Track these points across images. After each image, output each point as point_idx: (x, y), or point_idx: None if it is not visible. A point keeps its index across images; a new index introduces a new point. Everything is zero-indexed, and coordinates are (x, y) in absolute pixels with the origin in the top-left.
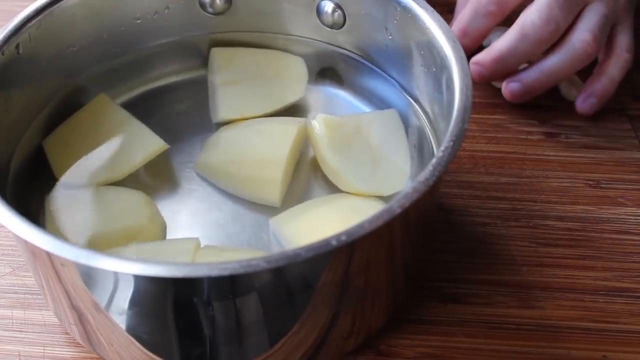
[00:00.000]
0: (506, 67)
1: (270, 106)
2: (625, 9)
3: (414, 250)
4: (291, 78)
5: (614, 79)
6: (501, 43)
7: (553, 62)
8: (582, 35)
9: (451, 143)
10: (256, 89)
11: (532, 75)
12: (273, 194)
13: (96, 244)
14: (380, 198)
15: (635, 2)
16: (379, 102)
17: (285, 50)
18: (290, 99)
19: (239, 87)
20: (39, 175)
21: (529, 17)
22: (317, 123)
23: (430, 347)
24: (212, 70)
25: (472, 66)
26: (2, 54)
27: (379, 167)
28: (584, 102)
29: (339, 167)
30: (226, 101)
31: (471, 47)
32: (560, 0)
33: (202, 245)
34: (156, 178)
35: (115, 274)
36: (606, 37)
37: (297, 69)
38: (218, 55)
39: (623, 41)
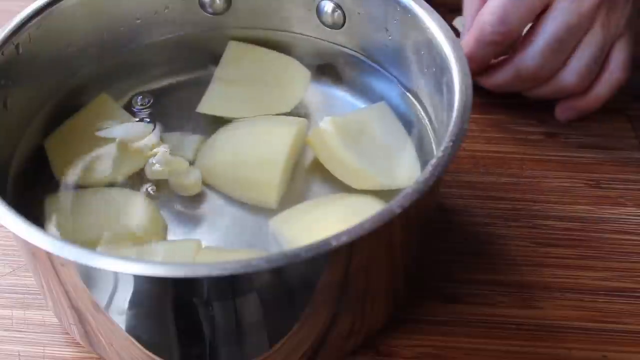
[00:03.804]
0: (506, 92)
1: (252, 113)
2: (626, 24)
3: (414, 250)
4: (288, 91)
5: (600, 97)
6: (499, 77)
7: (543, 91)
8: (571, 76)
9: (451, 143)
10: (248, 93)
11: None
12: (270, 196)
13: (96, 245)
14: (380, 198)
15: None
16: (378, 100)
17: (286, 47)
18: (275, 111)
19: (234, 86)
20: (39, 175)
21: (525, 62)
22: (326, 125)
23: (430, 347)
24: (220, 62)
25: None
26: (2, 54)
27: (391, 159)
28: (564, 112)
29: (360, 166)
30: (213, 96)
31: (477, 72)
32: (554, 46)
33: (202, 247)
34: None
35: (115, 274)
36: (600, 66)
37: (298, 83)
38: (232, 49)
39: (618, 59)
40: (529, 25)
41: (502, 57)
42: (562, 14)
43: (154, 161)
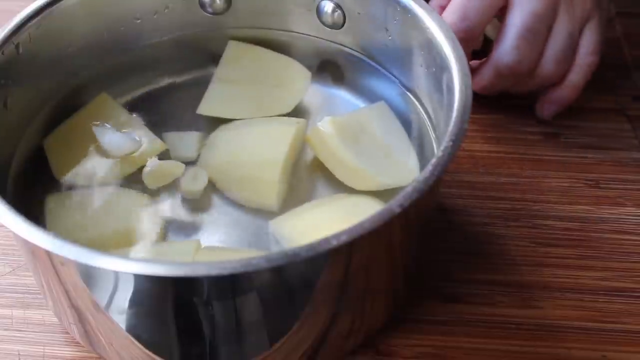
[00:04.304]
0: (491, 93)
1: (252, 114)
2: (594, 7)
3: (413, 250)
4: (288, 91)
5: (576, 85)
6: (480, 79)
7: (526, 85)
8: (548, 65)
9: (451, 143)
10: (248, 93)
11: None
12: (270, 196)
13: (96, 244)
14: (380, 198)
15: None
16: (378, 100)
17: (286, 46)
18: (275, 111)
19: (234, 87)
20: (39, 175)
21: (501, 59)
22: (325, 125)
23: (429, 347)
24: (220, 62)
25: None
26: (2, 53)
27: (390, 159)
28: (544, 108)
29: (360, 166)
30: (213, 96)
31: None
32: (527, 36)
33: (202, 246)
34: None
35: (115, 273)
36: (574, 50)
37: (298, 83)
38: (232, 48)
39: (588, 43)
40: None
41: (483, 60)
42: (527, 3)
43: (147, 169)
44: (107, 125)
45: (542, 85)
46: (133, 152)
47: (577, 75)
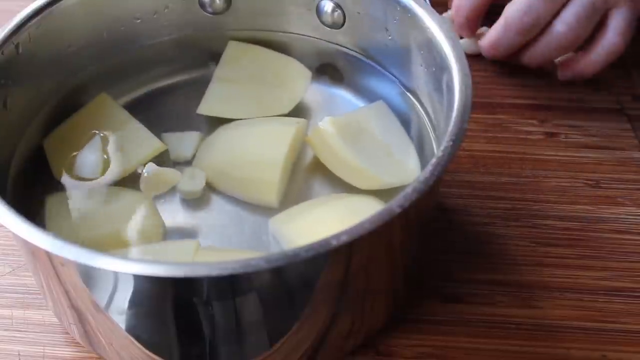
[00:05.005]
0: (501, 53)
1: (252, 113)
2: None
3: (413, 249)
4: (288, 91)
5: (596, 62)
6: (491, 32)
7: (535, 49)
8: (559, 26)
9: (451, 143)
10: (248, 93)
11: (524, 57)
12: (270, 195)
13: (96, 244)
14: (380, 198)
15: None
16: (378, 100)
17: (286, 47)
18: (275, 111)
19: (234, 86)
20: (39, 175)
21: (511, 8)
22: (326, 125)
23: (430, 347)
24: (220, 62)
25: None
26: (2, 53)
27: (391, 157)
28: (563, 70)
29: (362, 165)
30: (213, 96)
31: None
32: None
33: (201, 247)
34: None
35: (115, 273)
36: (592, 24)
37: (298, 82)
38: (232, 48)
39: (615, 25)
40: None
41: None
42: None
43: (144, 176)
44: (100, 136)
45: (551, 52)
46: (92, 179)
47: (598, 53)
